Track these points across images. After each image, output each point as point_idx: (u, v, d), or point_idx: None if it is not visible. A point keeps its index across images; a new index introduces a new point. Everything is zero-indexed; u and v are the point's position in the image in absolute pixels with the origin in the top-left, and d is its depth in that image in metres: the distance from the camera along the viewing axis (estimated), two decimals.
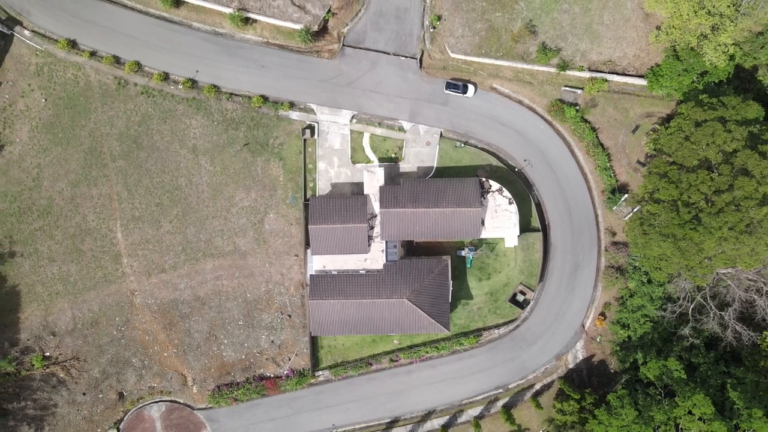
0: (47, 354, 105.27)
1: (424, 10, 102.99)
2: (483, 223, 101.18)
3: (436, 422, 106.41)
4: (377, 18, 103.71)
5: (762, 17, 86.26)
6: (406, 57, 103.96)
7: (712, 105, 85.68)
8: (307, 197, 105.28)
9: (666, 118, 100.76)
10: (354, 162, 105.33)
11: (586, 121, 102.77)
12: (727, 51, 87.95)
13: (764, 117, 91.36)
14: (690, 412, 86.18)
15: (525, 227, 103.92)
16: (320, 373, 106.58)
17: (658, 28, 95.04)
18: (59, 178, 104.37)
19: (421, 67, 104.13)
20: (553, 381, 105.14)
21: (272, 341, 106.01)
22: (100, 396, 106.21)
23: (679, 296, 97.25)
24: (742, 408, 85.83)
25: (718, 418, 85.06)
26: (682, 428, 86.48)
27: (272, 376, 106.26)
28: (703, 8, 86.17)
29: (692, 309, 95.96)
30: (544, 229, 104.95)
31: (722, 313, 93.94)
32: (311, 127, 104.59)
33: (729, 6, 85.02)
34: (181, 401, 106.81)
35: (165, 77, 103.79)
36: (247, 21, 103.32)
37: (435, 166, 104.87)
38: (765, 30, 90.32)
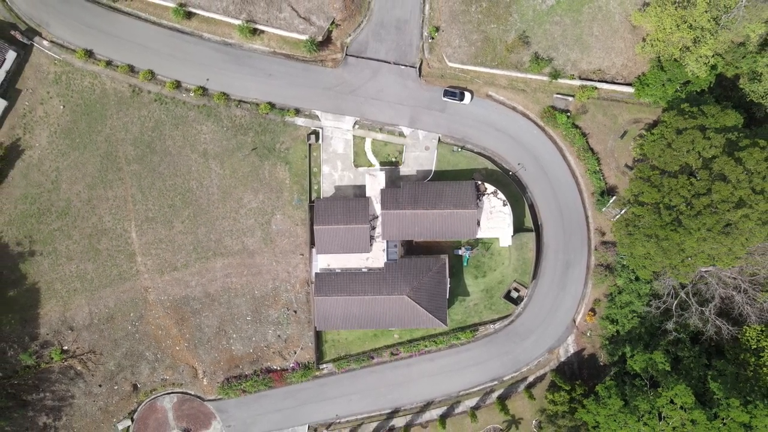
0: (65, 348, 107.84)
1: (423, 21, 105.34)
2: (479, 223, 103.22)
3: (435, 412, 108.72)
4: (378, 29, 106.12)
5: (741, 31, 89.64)
6: (406, 66, 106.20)
7: (692, 114, 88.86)
8: (312, 199, 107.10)
9: (653, 124, 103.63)
10: (356, 166, 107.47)
11: (576, 126, 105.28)
12: (708, 62, 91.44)
13: (744, 124, 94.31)
14: (672, 402, 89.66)
15: (519, 227, 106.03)
16: (324, 366, 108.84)
17: (643, 39, 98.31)
18: (77, 180, 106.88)
19: (420, 76, 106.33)
20: (546, 373, 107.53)
21: (279, 336, 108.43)
22: (115, 388, 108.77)
23: (664, 293, 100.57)
24: (722, 398, 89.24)
25: (698, 407, 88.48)
26: (664, 416, 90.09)
27: (279, 368, 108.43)
28: (685, 22, 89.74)
29: (675, 305, 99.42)
30: (537, 230, 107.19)
31: (703, 308, 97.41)
32: (316, 133, 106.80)
33: (709, 20, 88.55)
34: (192, 393, 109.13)
35: (177, 85, 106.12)
36: (255, 32, 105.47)
37: (433, 169, 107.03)
38: (746, 41, 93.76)
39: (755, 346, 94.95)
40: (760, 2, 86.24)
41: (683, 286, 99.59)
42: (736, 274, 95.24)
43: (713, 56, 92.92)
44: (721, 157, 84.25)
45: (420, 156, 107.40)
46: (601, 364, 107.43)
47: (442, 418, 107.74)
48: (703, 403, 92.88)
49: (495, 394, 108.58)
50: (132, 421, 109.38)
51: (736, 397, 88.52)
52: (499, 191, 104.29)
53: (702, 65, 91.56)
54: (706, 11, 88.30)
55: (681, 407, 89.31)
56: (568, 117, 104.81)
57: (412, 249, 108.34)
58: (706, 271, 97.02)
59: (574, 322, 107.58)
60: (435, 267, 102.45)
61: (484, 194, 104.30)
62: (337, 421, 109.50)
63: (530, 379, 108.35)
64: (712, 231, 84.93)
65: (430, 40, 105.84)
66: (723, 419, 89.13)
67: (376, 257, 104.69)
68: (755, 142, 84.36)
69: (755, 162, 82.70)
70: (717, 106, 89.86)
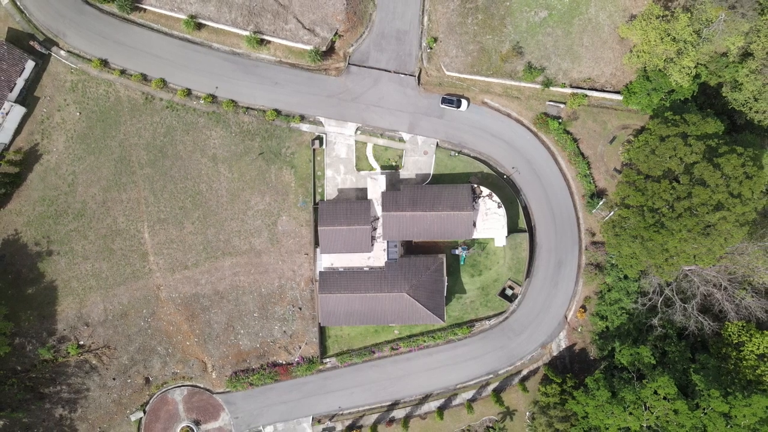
0: (81, 342, 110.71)
1: (421, 32, 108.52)
2: (475, 224, 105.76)
3: (433, 405, 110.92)
4: (379, 39, 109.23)
5: (721, 43, 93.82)
6: (406, 74, 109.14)
7: (675, 122, 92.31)
8: (316, 201, 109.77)
9: (640, 130, 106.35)
10: (358, 169, 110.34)
11: (568, 132, 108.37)
12: (691, 73, 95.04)
13: (726, 130, 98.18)
14: (656, 393, 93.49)
15: (513, 228, 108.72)
16: (328, 360, 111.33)
17: (630, 51, 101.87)
18: (92, 183, 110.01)
19: (419, 84, 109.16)
20: (539, 367, 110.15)
21: (284, 331, 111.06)
22: (129, 381, 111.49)
23: (650, 290, 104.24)
24: (703, 389, 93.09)
25: (681, 398, 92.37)
26: (649, 406, 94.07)
27: (284, 363, 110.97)
28: (669, 35, 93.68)
29: (660, 302, 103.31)
30: (531, 230, 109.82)
31: (686, 305, 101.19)
32: (320, 138, 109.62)
33: (691, 34, 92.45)
34: (202, 386, 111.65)
35: (188, 93, 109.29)
36: (262, 42, 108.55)
37: (431, 173, 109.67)
38: (728, 52, 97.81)
39: (736, 341, 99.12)
40: (738, 17, 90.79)
41: (668, 284, 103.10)
42: (717, 273, 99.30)
43: (696, 67, 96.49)
44: (701, 163, 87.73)
45: (419, 160, 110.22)
46: (592, 358, 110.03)
47: (440, 410, 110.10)
48: (687, 395, 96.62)
49: (490, 387, 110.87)
50: (144, 413, 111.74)
51: (717, 388, 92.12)
52: (494, 194, 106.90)
53: (685, 75, 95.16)
54: (688, 25, 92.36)
55: (664, 398, 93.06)
56: (559, 123, 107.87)
57: (411, 249, 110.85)
58: (689, 270, 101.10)
59: (566, 318, 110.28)
60: (433, 266, 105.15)
61: (479, 197, 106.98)
62: (340, 412, 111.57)
63: (524, 372, 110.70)
64: (692, 232, 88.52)
65: (428, 50, 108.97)
66: (704, 409, 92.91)
67: (377, 257, 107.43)
68: (733, 148, 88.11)
69: (732, 167, 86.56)
70: (698, 115, 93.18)
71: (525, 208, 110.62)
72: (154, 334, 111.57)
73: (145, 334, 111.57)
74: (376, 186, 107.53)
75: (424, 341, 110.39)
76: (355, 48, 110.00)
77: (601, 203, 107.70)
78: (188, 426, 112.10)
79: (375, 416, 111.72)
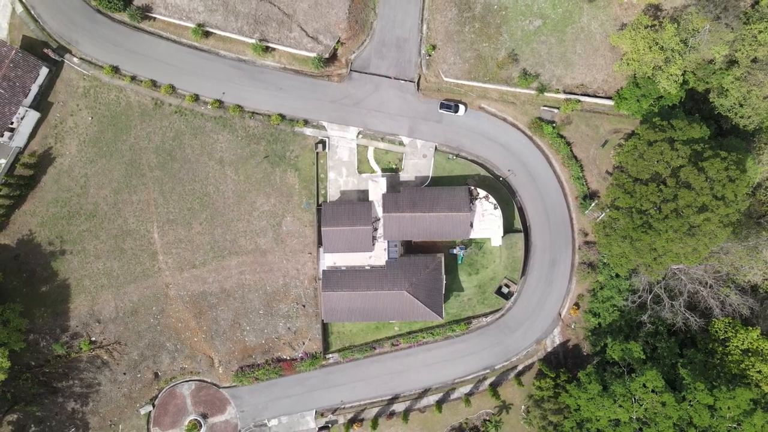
0: (93, 339, 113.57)
1: (420, 40, 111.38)
2: (472, 225, 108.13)
3: (432, 398, 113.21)
4: (380, 47, 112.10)
5: (707, 52, 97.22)
6: (406, 80, 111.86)
7: (662, 127, 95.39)
8: (320, 203, 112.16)
9: (631, 134, 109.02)
10: (360, 172, 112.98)
11: (561, 136, 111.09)
12: (678, 80, 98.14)
13: (713, 134, 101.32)
14: (644, 386, 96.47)
15: (509, 229, 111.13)
16: (330, 355, 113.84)
17: (621, 58, 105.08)
18: (103, 186, 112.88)
19: (418, 90, 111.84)
20: (534, 362, 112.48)
21: (289, 328, 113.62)
22: (138, 376, 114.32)
23: (640, 288, 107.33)
24: (690, 383, 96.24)
25: (668, 391, 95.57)
26: (637, 399, 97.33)
27: (288, 358, 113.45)
28: (657, 44, 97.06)
29: (650, 299, 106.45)
30: (526, 230, 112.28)
31: (673, 302, 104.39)
32: (323, 142, 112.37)
33: (678, 43, 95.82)
34: (209, 380, 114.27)
35: (196, 98, 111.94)
36: (267, 49, 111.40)
37: (430, 175, 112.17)
38: (714, 59, 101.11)
39: (722, 337, 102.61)
40: (723, 27, 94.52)
41: (657, 282, 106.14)
42: (703, 271, 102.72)
43: (683, 74, 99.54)
44: (687, 167, 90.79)
45: (418, 163, 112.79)
46: (585, 353, 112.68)
47: (439, 404, 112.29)
48: (675, 388, 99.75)
49: (487, 382, 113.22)
50: (153, 406, 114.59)
51: (703, 382, 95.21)
52: (490, 195, 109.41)
53: (672, 82, 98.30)
54: (675, 34, 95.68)
55: (652, 391, 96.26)
56: (553, 127, 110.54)
57: (410, 248, 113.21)
58: (677, 269, 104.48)
59: (560, 315, 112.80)
60: (432, 265, 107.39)
61: (476, 198, 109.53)
62: (342, 406, 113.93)
63: (519, 367, 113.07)
64: (678, 233, 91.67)
65: (427, 57, 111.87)
66: (690, 401, 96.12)
67: (378, 256, 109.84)
68: (717, 153, 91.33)
69: (716, 171, 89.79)
70: (685, 120, 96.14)
71: (520, 209, 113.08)
72: (163, 330, 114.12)
73: (155, 330, 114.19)
74: (377, 188, 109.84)
75: (423, 337, 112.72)
76: (356, 55, 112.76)
77: (593, 204, 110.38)
78: (195, 419, 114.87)
79: (376, 410, 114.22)
